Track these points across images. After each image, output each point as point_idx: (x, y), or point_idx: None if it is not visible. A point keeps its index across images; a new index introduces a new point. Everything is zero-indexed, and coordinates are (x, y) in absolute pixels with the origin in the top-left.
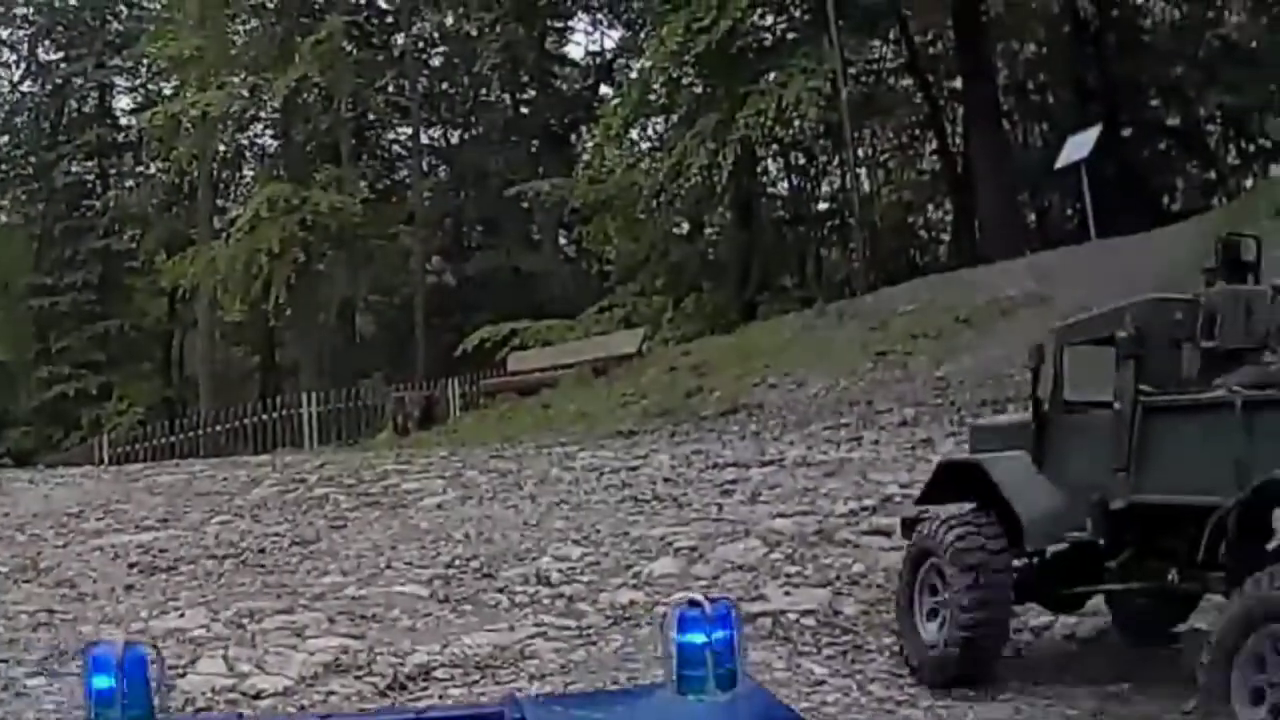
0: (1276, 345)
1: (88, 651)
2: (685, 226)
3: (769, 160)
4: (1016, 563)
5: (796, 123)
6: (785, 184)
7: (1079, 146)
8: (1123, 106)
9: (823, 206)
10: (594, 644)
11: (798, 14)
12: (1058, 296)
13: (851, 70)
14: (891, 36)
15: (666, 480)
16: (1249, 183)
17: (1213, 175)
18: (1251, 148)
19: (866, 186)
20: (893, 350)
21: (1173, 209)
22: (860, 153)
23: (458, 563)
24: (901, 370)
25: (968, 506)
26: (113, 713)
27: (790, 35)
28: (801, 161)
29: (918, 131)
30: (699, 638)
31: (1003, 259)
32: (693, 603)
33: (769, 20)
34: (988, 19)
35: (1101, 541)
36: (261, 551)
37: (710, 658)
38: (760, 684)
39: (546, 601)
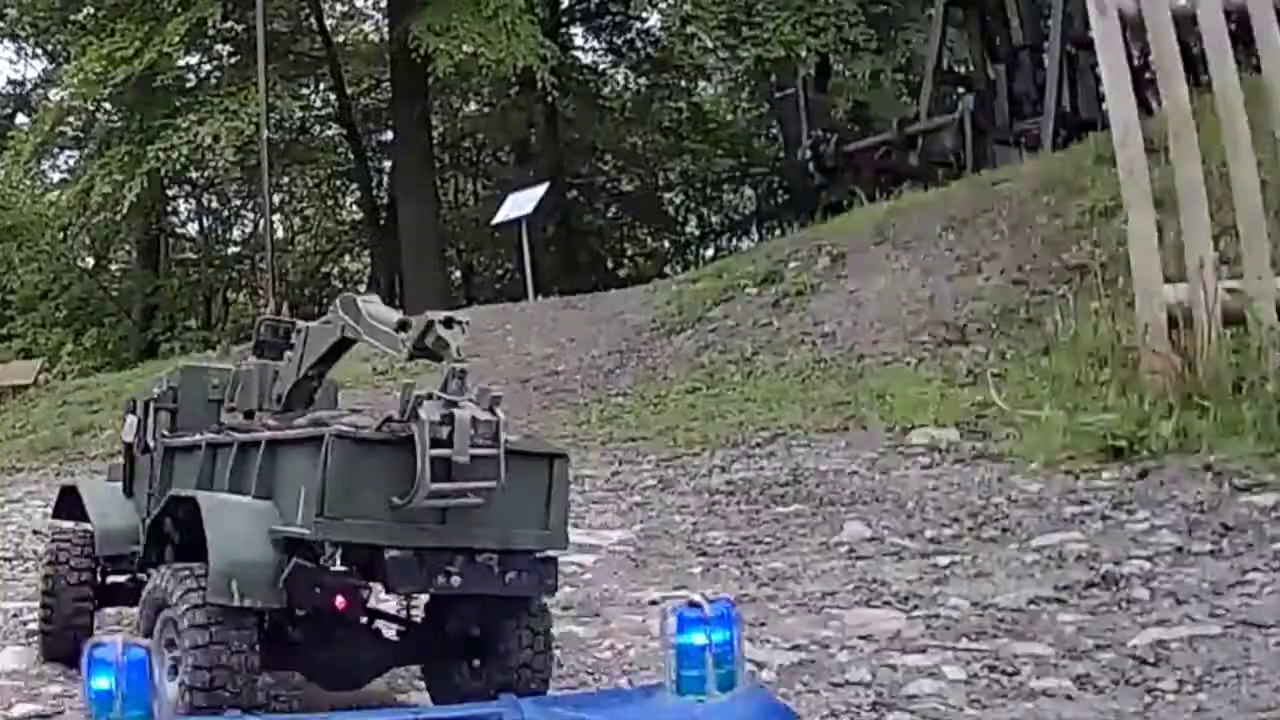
0: (286, 408)
1: (88, 652)
2: (90, 260)
3: (181, 200)
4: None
5: (213, 163)
6: (196, 225)
7: (521, 204)
8: (572, 169)
9: (234, 250)
10: None
11: (225, 54)
12: (497, 351)
13: (276, 115)
14: (323, 85)
15: (37, 533)
16: (709, 253)
17: (666, 244)
18: (715, 219)
19: (281, 232)
20: None
21: (619, 274)
22: (278, 198)
23: None
24: None
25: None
26: (113, 713)
27: (216, 75)
28: (214, 204)
29: (340, 181)
30: (699, 638)
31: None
32: (692, 603)
33: (196, 58)
34: (432, 77)
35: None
36: None
37: (710, 658)
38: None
39: None
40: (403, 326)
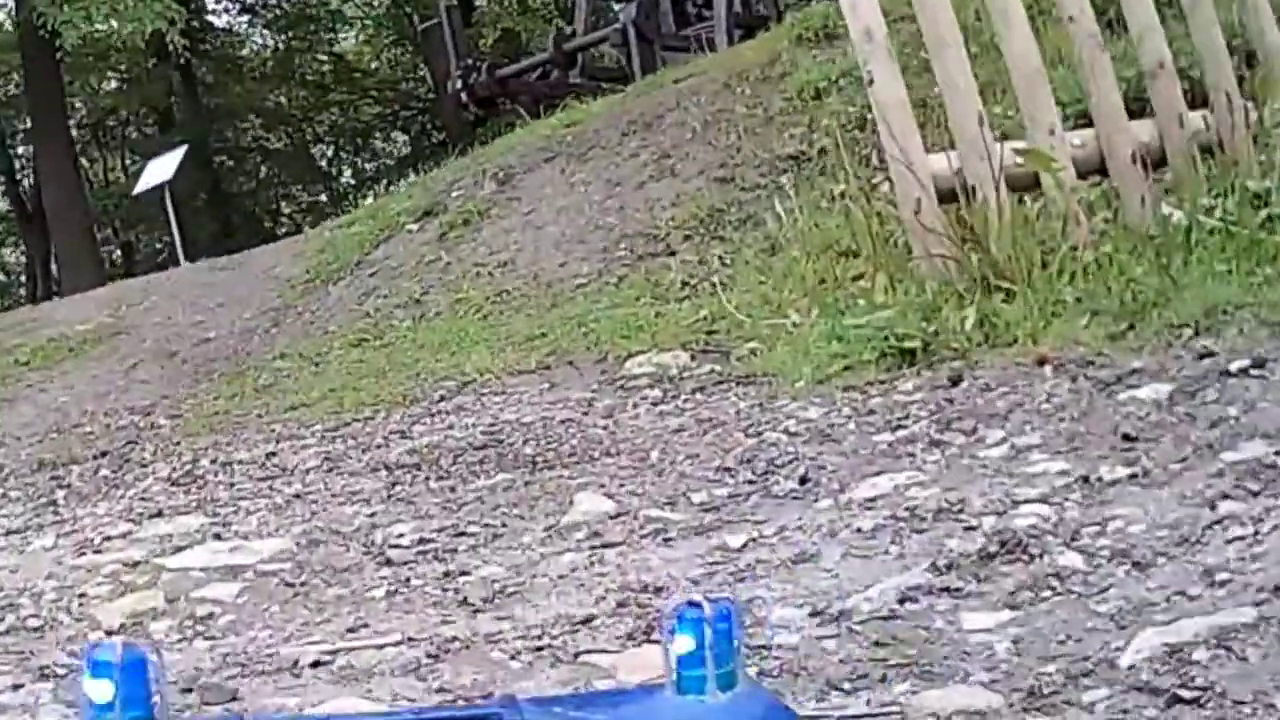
0: None
1: (87, 652)
2: None
3: None
4: None
5: None
6: None
7: (160, 170)
8: (219, 134)
9: None
10: None
11: None
12: (141, 325)
13: None
14: None
15: None
16: (369, 200)
17: (323, 198)
18: (370, 166)
19: None
20: None
21: (278, 233)
22: None
23: None
24: None
25: None
26: (112, 714)
27: None
28: None
29: None
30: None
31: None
32: (692, 603)
33: None
34: (64, 57)
35: None
36: None
37: (710, 658)
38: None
39: None
40: None
